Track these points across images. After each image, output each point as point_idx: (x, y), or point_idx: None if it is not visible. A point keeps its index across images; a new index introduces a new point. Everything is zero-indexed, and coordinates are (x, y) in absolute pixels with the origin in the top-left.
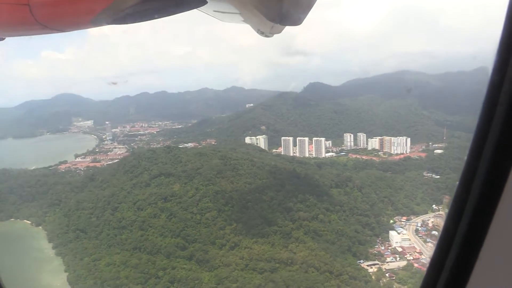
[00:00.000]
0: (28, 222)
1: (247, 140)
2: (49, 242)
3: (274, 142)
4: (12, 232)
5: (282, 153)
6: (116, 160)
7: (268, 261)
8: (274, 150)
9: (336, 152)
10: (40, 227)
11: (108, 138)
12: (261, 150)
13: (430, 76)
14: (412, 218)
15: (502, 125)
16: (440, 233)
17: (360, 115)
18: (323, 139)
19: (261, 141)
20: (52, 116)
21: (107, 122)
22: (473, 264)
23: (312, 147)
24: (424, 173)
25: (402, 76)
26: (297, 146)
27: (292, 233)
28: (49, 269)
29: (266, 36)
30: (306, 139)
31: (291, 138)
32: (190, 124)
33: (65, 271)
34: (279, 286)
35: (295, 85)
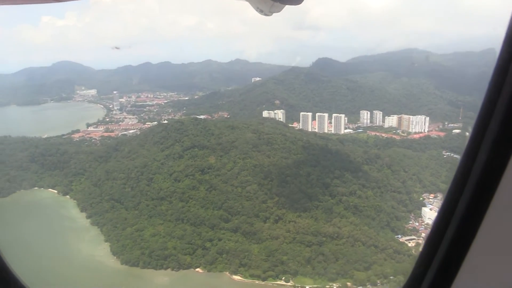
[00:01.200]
0: (54, 191)
1: (265, 114)
2: (81, 211)
3: (288, 117)
4: (39, 201)
5: (300, 128)
6: (132, 130)
7: (314, 235)
8: (290, 125)
9: (353, 129)
10: (68, 197)
11: (115, 108)
12: (284, 124)
13: (438, 56)
14: (439, 195)
15: (500, 125)
16: (431, 228)
17: (374, 93)
18: (342, 115)
19: (279, 115)
20: (54, 84)
21: (114, 92)
22: (461, 261)
23: (331, 123)
24: (443, 152)
25: (410, 54)
26: (317, 121)
27: (333, 208)
28: (87, 239)
29: (266, 14)
30: (326, 114)
31: (310, 114)
32: (196, 96)
33: (106, 241)
34: (329, 258)
35: (300, 60)
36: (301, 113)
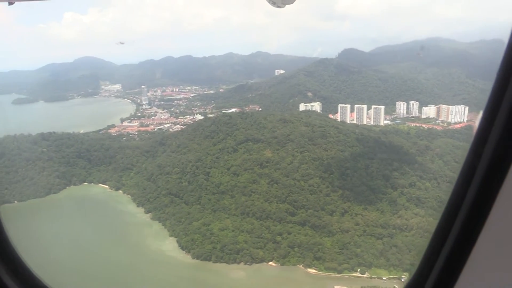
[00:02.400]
0: (105, 186)
1: (302, 106)
2: (138, 206)
3: (323, 109)
4: (92, 196)
5: (339, 120)
6: (167, 125)
7: (383, 227)
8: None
9: (390, 120)
10: (120, 191)
11: (144, 103)
12: (326, 116)
13: (465, 44)
14: None
15: (503, 128)
16: (436, 224)
17: (406, 83)
18: (382, 106)
19: (316, 107)
20: (79, 79)
21: (143, 86)
22: (466, 258)
23: (370, 115)
24: None
25: (436, 43)
26: (355, 113)
27: (397, 200)
28: (150, 234)
29: (278, 6)
30: (365, 106)
31: (348, 105)
32: (221, 90)
33: (171, 236)
34: (402, 250)
35: (322, 51)
36: (340, 105)
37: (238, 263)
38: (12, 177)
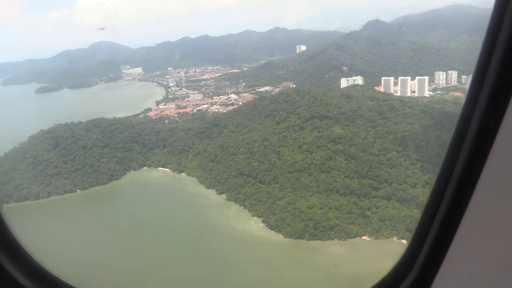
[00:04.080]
0: (166, 169)
1: (343, 81)
2: (208, 188)
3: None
4: (156, 180)
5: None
6: (205, 105)
7: None
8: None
9: (432, 91)
10: (184, 174)
11: (171, 85)
12: (375, 90)
13: (487, 10)
14: None
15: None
16: (425, 204)
17: (440, 53)
18: (426, 77)
19: (358, 81)
20: (99, 65)
21: (169, 68)
22: (452, 236)
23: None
24: None
25: (460, 10)
26: (399, 85)
27: None
28: (231, 215)
29: None
30: (409, 78)
31: (391, 78)
32: (245, 68)
33: (254, 216)
34: None
35: (340, 24)
36: (383, 78)
37: (332, 239)
38: (71, 166)
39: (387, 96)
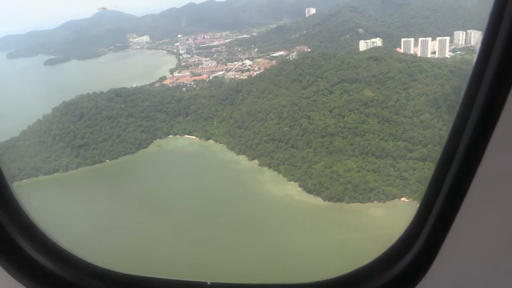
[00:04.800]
0: (192, 137)
1: (362, 44)
2: (238, 154)
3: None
4: (183, 147)
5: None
6: (221, 72)
7: None
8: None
9: (452, 51)
10: (211, 141)
11: (182, 52)
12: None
13: None
14: None
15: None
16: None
17: (457, 12)
18: (447, 38)
19: (378, 43)
20: (104, 34)
21: (179, 36)
22: (459, 205)
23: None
24: None
25: None
26: (419, 46)
27: None
28: (266, 180)
29: None
30: (429, 39)
31: (411, 39)
32: (254, 33)
33: (290, 180)
34: None
35: None
36: (403, 39)
37: (372, 201)
38: (97, 137)
39: (415, 57)
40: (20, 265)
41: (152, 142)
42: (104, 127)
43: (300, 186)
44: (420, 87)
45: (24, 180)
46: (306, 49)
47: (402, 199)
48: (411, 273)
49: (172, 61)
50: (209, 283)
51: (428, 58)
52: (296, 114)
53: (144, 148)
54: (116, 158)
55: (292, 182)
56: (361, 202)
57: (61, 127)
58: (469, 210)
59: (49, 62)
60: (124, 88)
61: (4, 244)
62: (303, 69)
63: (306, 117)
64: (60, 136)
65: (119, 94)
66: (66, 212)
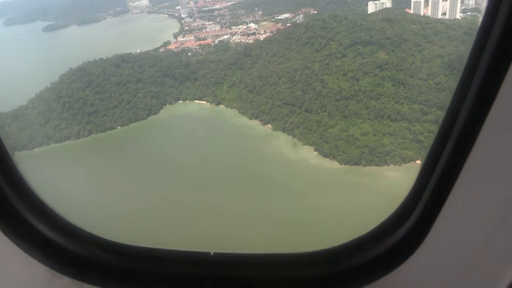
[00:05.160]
0: (203, 102)
1: (371, 5)
2: (251, 118)
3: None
4: (194, 112)
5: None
6: (226, 36)
7: None
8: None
9: (462, 12)
10: (222, 106)
11: (184, 16)
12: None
13: None
14: None
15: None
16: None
17: None
18: None
19: (387, 5)
20: None
21: None
22: (459, 171)
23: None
24: None
25: None
26: (430, 7)
27: None
28: (281, 145)
29: None
30: None
31: (422, 0)
32: None
33: (305, 144)
34: None
35: None
36: (413, 0)
37: (388, 164)
38: (107, 103)
39: (429, 19)
40: (25, 236)
41: (162, 108)
42: (114, 94)
43: (315, 150)
44: (435, 49)
45: (35, 149)
46: (312, 11)
47: (417, 162)
48: (408, 243)
49: (174, 26)
50: (212, 253)
51: (441, 19)
52: (309, 78)
53: (155, 114)
54: (127, 125)
55: (307, 146)
56: (377, 165)
57: (70, 94)
58: (468, 178)
59: (48, 28)
60: (130, 53)
61: (8, 216)
62: (314, 32)
63: (320, 81)
64: (69, 104)
65: (125, 59)
66: (78, 180)
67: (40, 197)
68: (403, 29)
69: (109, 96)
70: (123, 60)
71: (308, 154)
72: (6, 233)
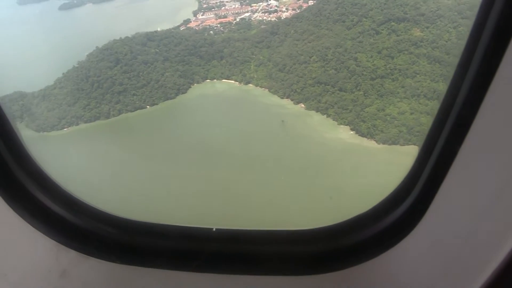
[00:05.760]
0: (231, 81)
1: None
2: (282, 98)
3: None
4: (223, 91)
5: None
6: (247, 14)
7: None
8: None
9: None
10: (251, 85)
11: None
12: None
13: None
14: None
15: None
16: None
17: None
18: None
19: None
20: None
21: None
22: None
23: None
24: None
25: None
26: None
27: None
28: (315, 124)
29: None
30: None
31: None
32: None
33: (341, 124)
34: None
35: None
36: None
37: None
38: (136, 82)
39: None
40: (32, 211)
41: (190, 87)
42: (142, 72)
43: (352, 129)
44: (470, 25)
45: (65, 129)
46: None
47: None
48: (407, 220)
49: (190, 3)
50: (214, 229)
51: None
52: (342, 56)
53: (183, 93)
54: (156, 104)
55: (343, 126)
56: (415, 144)
57: (98, 73)
58: (467, 155)
59: (64, 7)
60: (155, 32)
61: (15, 191)
62: (345, 9)
63: (353, 59)
64: (98, 83)
65: (151, 38)
66: (110, 160)
67: (46, 172)
68: (438, 5)
69: (137, 75)
70: (148, 39)
71: (344, 134)
72: (13, 208)
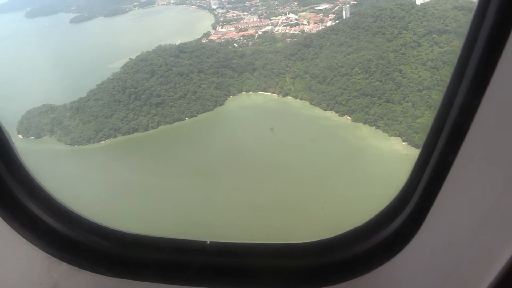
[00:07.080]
0: (267, 93)
1: None
2: (325, 110)
3: None
4: (261, 104)
5: None
6: (268, 27)
7: None
8: None
9: None
10: (289, 97)
11: (214, 7)
12: None
13: None
14: None
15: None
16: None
17: None
18: None
19: None
20: None
21: None
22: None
23: None
24: None
25: None
26: None
27: None
28: (365, 136)
29: None
30: None
31: None
32: None
33: (392, 135)
34: None
35: None
36: None
37: None
38: (173, 94)
39: None
40: (24, 222)
41: (226, 99)
42: (178, 84)
43: (404, 141)
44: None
45: (102, 142)
46: (352, 1)
47: None
48: (404, 232)
49: (206, 17)
50: (208, 242)
51: None
52: (386, 68)
53: (220, 105)
54: (195, 116)
55: (394, 137)
56: None
57: (135, 85)
58: (462, 165)
59: (75, 20)
60: (186, 43)
61: (8, 202)
62: (384, 21)
63: (398, 71)
64: (135, 94)
65: (183, 50)
66: (150, 171)
67: (40, 184)
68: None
69: (174, 86)
70: (180, 51)
71: (398, 146)
72: (5, 219)
